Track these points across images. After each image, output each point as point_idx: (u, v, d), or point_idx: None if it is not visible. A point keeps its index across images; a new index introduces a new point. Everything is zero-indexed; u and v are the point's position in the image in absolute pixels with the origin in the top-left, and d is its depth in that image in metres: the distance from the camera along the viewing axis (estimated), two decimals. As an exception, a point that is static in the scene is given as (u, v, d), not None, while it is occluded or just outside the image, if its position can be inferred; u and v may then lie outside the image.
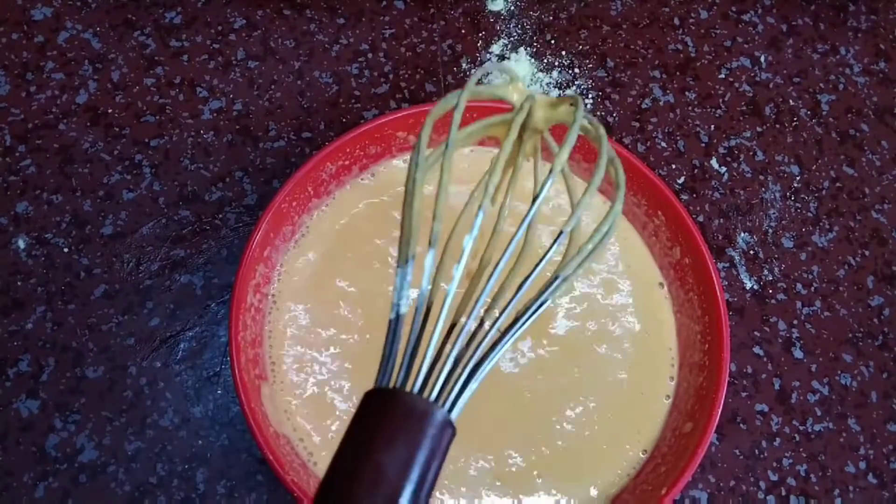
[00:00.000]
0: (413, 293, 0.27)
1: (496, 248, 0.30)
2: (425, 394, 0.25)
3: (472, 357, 0.27)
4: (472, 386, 0.26)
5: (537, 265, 0.29)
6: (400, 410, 0.24)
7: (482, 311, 0.29)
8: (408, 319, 0.27)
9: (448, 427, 0.25)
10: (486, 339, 0.28)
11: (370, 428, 0.24)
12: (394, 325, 0.27)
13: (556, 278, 0.29)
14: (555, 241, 0.28)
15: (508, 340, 0.28)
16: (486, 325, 0.28)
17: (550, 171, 0.28)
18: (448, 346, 0.27)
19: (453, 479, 0.38)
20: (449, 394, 0.26)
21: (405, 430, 0.24)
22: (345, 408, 0.39)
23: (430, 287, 0.27)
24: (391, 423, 0.24)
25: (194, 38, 0.50)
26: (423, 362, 0.26)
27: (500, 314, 0.28)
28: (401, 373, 0.26)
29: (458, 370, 0.26)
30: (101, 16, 0.51)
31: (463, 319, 0.28)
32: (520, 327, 0.28)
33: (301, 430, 0.38)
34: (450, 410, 0.25)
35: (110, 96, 0.48)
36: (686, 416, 0.39)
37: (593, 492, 0.39)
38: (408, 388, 0.25)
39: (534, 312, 0.28)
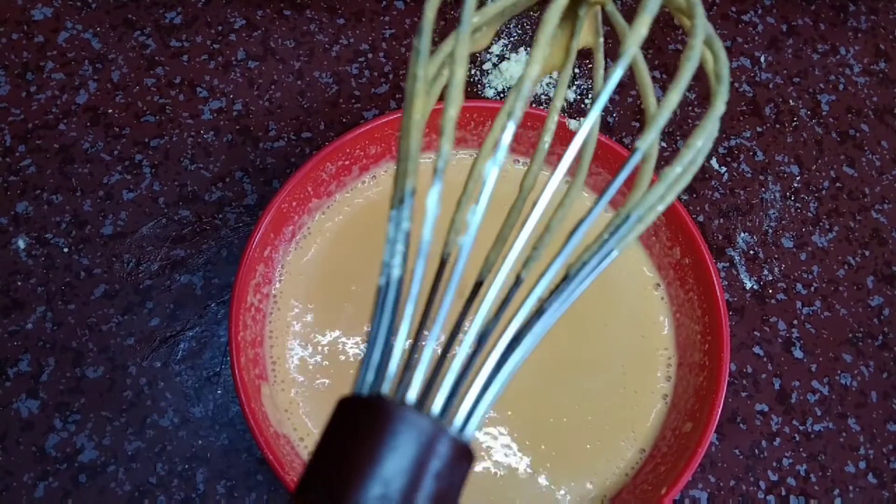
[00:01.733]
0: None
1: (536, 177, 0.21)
2: (427, 404, 0.18)
3: (498, 339, 0.19)
4: (498, 385, 0.18)
5: (601, 197, 0.20)
6: (385, 435, 0.16)
7: (518, 265, 0.19)
8: (405, 288, 0.19)
9: (463, 458, 0.17)
10: (523, 309, 0.19)
11: (340, 464, 0.16)
12: (383, 296, 0.18)
13: (626, 217, 0.20)
14: (627, 161, 0.20)
15: (560, 307, 0.19)
16: (522, 288, 0.20)
17: (620, 58, 0.19)
18: (467, 323, 0.19)
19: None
20: (462, 400, 0.18)
21: (393, 469, 0.16)
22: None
23: (432, 237, 0.19)
24: (373, 458, 0.16)
25: (194, 38, 0.50)
26: (424, 351, 0.18)
27: (542, 271, 0.20)
28: (388, 368, 0.18)
29: (480, 360, 0.18)
30: (101, 16, 0.51)
31: (490, 277, 0.19)
32: (576, 287, 0.19)
33: (301, 430, 0.38)
34: (463, 427, 0.18)
35: (110, 96, 0.48)
36: (686, 416, 0.39)
37: (589, 487, 0.39)
38: (408, 397, 0.17)
39: (596, 266, 0.20)
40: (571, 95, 0.51)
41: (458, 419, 0.18)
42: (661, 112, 0.20)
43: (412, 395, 0.18)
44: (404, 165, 0.19)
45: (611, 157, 0.42)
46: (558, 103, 0.24)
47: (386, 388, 0.18)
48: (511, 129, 0.19)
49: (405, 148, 0.19)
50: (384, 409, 0.17)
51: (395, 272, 0.19)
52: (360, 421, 0.17)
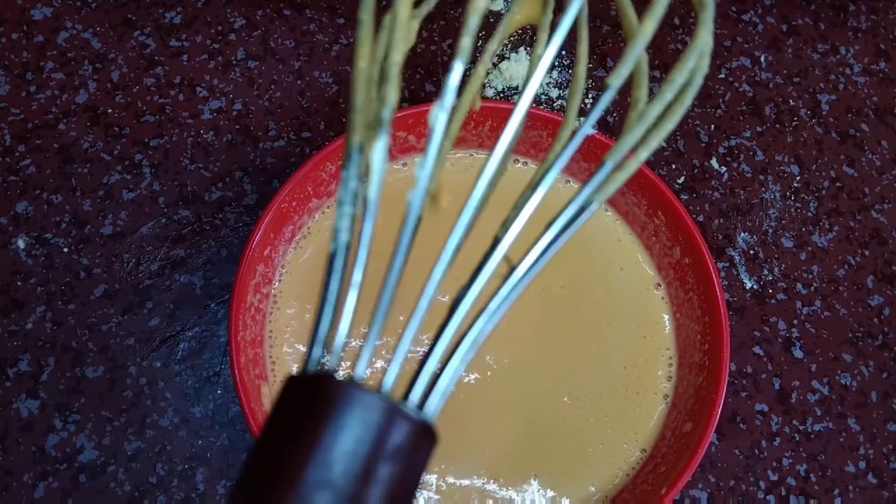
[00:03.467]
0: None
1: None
2: (382, 381, 0.16)
3: (456, 306, 0.17)
4: (460, 356, 0.16)
5: (573, 137, 0.18)
6: (330, 415, 0.15)
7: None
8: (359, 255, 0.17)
9: (423, 438, 0.16)
10: (486, 269, 0.17)
11: (281, 449, 0.15)
12: (330, 265, 0.17)
13: (602, 164, 0.18)
14: (599, 99, 0.18)
15: (534, 267, 0.17)
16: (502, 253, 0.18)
17: None
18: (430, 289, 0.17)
19: (448, 479, 0.38)
20: (418, 372, 0.16)
21: (339, 452, 0.14)
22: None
23: (379, 197, 0.17)
24: (315, 441, 0.14)
25: (194, 38, 0.50)
26: (374, 322, 0.16)
27: (508, 225, 0.18)
28: (335, 342, 0.16)
29: (452, 324, 0.16)
30: (101, 16, 0.51)
31: (455, 239, 0.17)
32: (550, 244, 0.17)
33: (301, 430, 0.38)
34: (422, 404, 0.16)
35: (110, 96, 0.48)
36: (686, 416, 0.39)
37: (591, 490, 0.39)
38: (356, 372, 0.16)
39: (572, 219, 0.18)
40: (571, 95, 0.51)
41: (416, 395, 0.16)
42: (635, 41, 0.17)
43: (360, 369, 0.16)
44: (353, 120, 0.17)
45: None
46: (539, 51, 0.21)
47: (335, 363, 0.16)
48: (458, 69, 0.17)
49: (352, 100, 0.17)
50: (328, 387, 0.15)
51: (343, 236, 0.17)
52: (305, 401, 0.15)
